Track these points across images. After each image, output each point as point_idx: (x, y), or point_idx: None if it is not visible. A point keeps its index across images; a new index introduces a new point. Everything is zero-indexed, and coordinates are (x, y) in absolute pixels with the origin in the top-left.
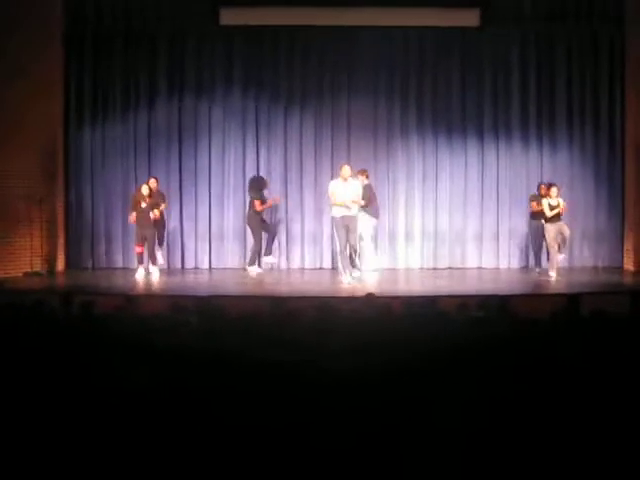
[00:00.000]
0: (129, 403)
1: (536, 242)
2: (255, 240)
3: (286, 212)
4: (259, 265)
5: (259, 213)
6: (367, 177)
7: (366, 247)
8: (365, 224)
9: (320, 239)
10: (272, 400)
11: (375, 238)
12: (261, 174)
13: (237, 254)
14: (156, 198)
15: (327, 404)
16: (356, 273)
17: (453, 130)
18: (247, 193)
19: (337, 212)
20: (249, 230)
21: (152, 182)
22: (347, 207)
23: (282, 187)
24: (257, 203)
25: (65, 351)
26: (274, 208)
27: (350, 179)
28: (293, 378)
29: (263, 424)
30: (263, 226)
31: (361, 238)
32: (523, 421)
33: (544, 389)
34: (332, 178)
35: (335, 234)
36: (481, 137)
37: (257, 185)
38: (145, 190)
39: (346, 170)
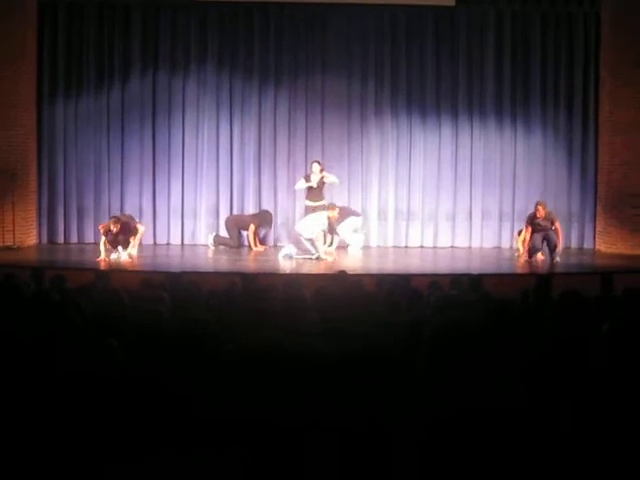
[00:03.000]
0: (99, 382)
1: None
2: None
3: (259, 190)
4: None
5: (240, 224)
6: (322, 170)
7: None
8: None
9: (293, 217)
10: (246, 382)
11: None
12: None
13: (210, 230)
14: (125, 234)
15: (303, 388)
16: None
17: (427, 110)
18: (252, 216)
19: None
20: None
21: (113, 225)
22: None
23: (255, 164)
24: (252, 228)
25: (35, 325)
26: (246, 190)
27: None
28: (263, 357)
29: (237, 407)
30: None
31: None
32: (497, 409)
33: (517, 373)
34: (306, 157)
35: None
36: (455, 117)
37: (264, 219)
38: (107, 235)
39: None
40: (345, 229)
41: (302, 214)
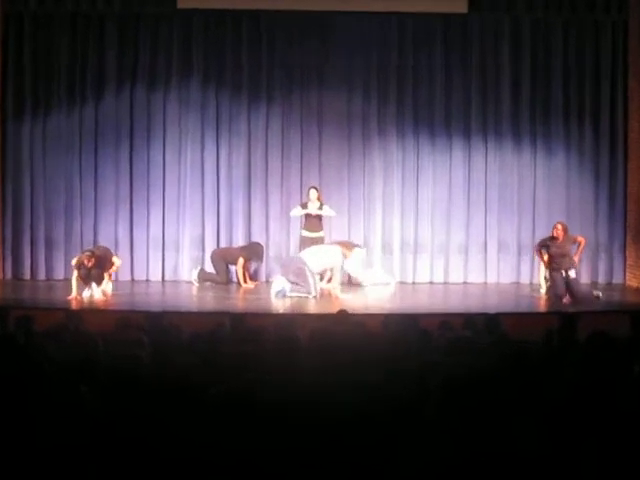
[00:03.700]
0: (71, 434)
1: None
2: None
3: (249, 219)
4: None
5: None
6: (319, 198)
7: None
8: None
9: (287, 249)
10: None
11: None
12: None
13: (194, 265)
14: (99, 269)
15: (298, 444)
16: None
17: (436, 128)
18: (241, 249)
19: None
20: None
21: (86, 259)
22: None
23: (245, 190)
24: (241, 262)
25: None
26: (235, 219)
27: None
28: (256, 409)
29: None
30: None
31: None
32: (514, 456)
33: (537, 419)
34: (301, 182)
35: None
36: (468, 136)
37: (254, 252)
38: (80, 270)
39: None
40: (352, 266)
41: (297, 246)
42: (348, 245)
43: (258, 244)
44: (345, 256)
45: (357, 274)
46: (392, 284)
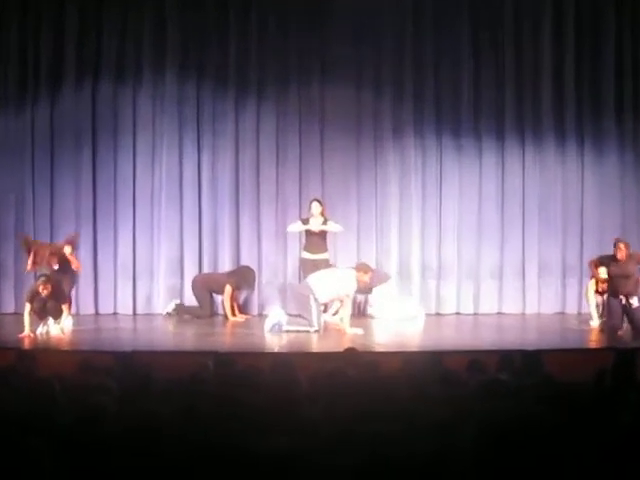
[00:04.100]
0: None
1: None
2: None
3: (237, 237)
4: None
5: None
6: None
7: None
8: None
9: (284, 273)
10: None
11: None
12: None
13: (171, 295)
14: (57, 299)
15: None
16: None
17: (462, 127)
18: (228, 275)
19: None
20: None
21: (42, 287)
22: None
23: (232, 204)
24: (228, 290)
25: None
26: (220, 239)
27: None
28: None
29: None
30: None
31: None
32: None
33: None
34: (300, 194)
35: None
36: (501, 136)
37: (244, 278)
38: (34, 302)
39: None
40: (375, 297)
41: (297, 270)
42: (366, 269)
43: (248, 268)
44: (361, 283)
45: (380, 306)
46: (421, 318)
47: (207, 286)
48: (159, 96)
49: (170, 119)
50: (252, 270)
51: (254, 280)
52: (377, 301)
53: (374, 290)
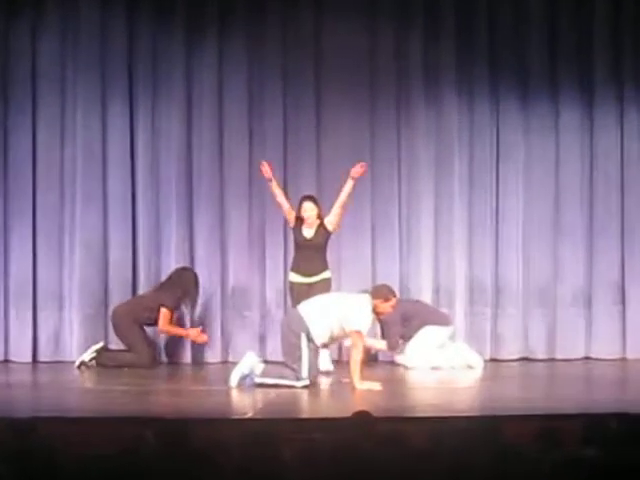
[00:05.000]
0: None
1: None
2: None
3: (190, 244)
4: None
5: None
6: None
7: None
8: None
9: (261, 297)
10: None
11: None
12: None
13: (89, 332)
14: None
15: None
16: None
17: (532, 81)
18: (157, 290)
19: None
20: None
21: None
22: None
23: (181, 197)
24: (163, 313)
25: None
26: (165, 244)
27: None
28: None
29: None
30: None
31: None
32: None
33: None
34: (284, 182)
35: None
36: (590, 93)
37: (181, 286)
38: None
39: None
40: (423, 345)
41: (281, 297)
42: (387, 295)
43: (184, 270)
44: (380, 315)
45: (415, 353)
46: (479, 367)
47: (134, 318)
48: (70, 30)
49: (86, 65)
50: (190, 271)
51: (197, 285)
52: (414, 348)
53: (416, 336)
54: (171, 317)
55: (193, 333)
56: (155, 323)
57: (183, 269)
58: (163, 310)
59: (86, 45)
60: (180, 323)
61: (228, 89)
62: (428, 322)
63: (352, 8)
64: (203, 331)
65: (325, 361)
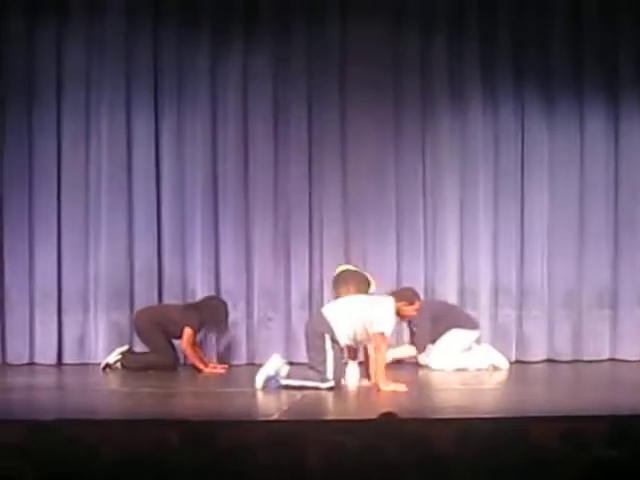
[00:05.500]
0: None
1: None
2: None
3: (215, 250)
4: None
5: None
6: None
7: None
8: None
9: (286, 301)
10: None
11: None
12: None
13: (115, 337)
14: None
15: None
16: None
17: (555, 81)
18: (185, 310)
19: None
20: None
21: None
22: None
23: (207, 203)
24: (187, 333)
25: None
26: (190, 250)
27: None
28: None
29: None
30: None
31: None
32: None
33: None
34: (310, 187)
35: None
36: (615, 94)
37: (210, 314)
38: None
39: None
40: (450, 348)
41: (305, 300)
42: (411, 297)
43: (216, 301)
44: (404, 318)
45: (441, 355)
46: (504, 368)
47: (157, 324)
48: (96, 39)
49: (111, 75)
50: (222, 302)
51: (226, 317)
52: (440, 350)
53: (443, 339)
54: (194, 338)
55: (208, 370)
56: (177, 337)
57: (214, 298)
58: (187, 330)
59: (111, 55)
60: (206, 339)
61: (253, 97)
62: (456, 325)
63: (377, 21)
64: (222, 364)
65: (355, 377)
